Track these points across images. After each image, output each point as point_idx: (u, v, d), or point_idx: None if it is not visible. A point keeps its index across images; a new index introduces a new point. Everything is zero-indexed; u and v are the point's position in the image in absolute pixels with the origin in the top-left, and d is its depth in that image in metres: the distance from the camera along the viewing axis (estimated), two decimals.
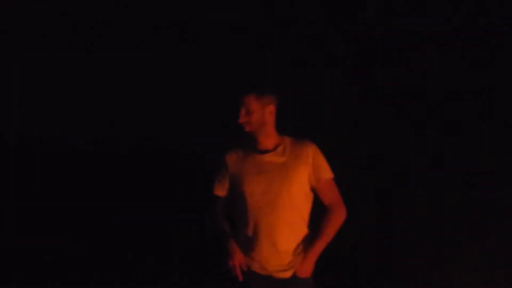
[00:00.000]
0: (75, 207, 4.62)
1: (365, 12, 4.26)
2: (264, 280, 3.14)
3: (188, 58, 4.55)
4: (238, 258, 3.14)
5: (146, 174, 4.61)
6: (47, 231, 4.57)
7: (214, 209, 3.31)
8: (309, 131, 3.35)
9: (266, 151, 3.18)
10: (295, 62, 4.38)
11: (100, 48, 4.60)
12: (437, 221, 4.13)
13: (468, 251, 4.07)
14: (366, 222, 4.07)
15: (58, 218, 4.61)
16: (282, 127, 3.25)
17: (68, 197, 4.66)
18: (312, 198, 3.25)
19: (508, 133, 4.03)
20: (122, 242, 4.56)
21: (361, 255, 4.19)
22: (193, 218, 4.30)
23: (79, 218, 4.62)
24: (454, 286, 4.07)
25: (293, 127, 3.32)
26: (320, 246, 3.14)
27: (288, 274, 3.14)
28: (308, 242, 3.18)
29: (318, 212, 3.24)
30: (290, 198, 3.13)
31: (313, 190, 3.24)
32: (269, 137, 3.20)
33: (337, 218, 3.21)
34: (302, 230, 3.20)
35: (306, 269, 3.15)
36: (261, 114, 3.14)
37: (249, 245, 3.15)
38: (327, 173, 3.21)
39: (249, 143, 3.22)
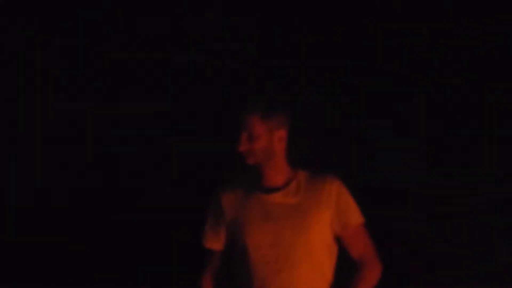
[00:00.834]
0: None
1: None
2: None
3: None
4: None
5: None
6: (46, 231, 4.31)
7: (208, 272, 2.58)
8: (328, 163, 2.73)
9: (274, 190, 2.45)
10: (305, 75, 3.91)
11: None
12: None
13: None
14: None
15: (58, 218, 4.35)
16: (295, 158, 2.54)
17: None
18: (337, 251, 2.51)
19: None
20: (121, 243, 4.26)
21: None
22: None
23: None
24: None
25: (309, 157, 2.63)
26: None
27: None
28: None
29: (342, 268, 2.54)
30: (307, 252, 2.40)
31: (337, 239, 2.50)
32: (278, 171, 2.46)
33: (371, 276, 2.48)
34: None
35: None
36: (268, 140, 2.42)
37: None
38: (356, 218, 2.48)
39: (251, 179, 2.49)
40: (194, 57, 4.10)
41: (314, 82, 3.96)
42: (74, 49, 4.23)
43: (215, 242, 2.53)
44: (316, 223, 2.42)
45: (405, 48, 3.93)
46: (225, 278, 2.58)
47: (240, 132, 2.41)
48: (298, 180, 2.47)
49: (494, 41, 3.82)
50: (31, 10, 4.18)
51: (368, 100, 3.96)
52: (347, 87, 3.96)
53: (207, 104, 4.03)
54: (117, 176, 4.30)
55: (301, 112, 3.16)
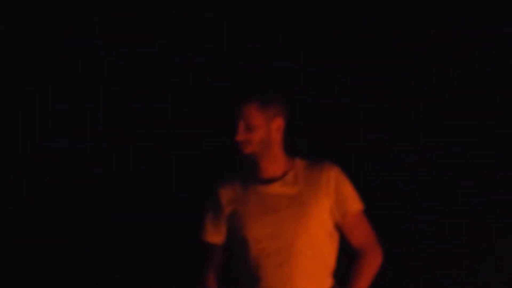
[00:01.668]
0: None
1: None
2: None
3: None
4: None
5: None
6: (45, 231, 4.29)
7: (207, 268, 2.53)
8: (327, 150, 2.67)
9: (272, 180, 2.41)
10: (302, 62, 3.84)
11: None
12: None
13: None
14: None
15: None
16: (292, 147, 2.49)
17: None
18: (338, 239, 2.48)
19: None
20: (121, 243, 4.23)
21: None
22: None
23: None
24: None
25: (307, 145, 2.60)
26: None
27: None
28: None
29: (345, 257, 2.51)
30: (308, 241, 2.37)
31: (338, 228, 2.46)
32: (275, 162, 2.42)
33: (372, 263, 2.46)
34: (326, 282, 2.43)
35: None
36: (266, 130, 2.37)
37: None
38: (355, 205, 2.44)
39: (248, 171, 2.45)
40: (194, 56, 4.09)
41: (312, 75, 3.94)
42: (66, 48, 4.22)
43: (215, 236, 2.49)
44: (316, 212, 2.38)
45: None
46: (226, 274, 2.55)
47: (237, 122, 2.36)
48: (295, 170, 2.43)
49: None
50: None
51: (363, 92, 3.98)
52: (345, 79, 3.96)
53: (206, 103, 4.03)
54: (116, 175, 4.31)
55: (298, 101, 3.15)
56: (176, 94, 4.07)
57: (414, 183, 3.86)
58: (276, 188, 2.40)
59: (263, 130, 2.37)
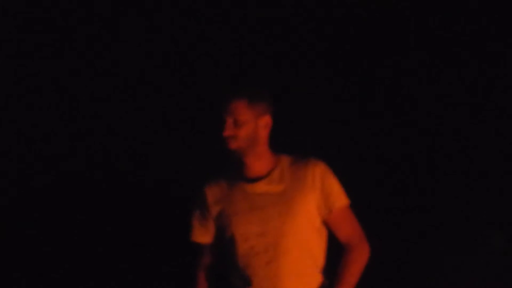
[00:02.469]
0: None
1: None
2: None
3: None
4: None
5: None
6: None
7: (197, 269, 2.55)
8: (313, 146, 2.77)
9: (258, 179, 2.41)
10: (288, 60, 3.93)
11: None
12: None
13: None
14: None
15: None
16: (277, 143, 2.50)
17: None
18: (326, 235, 2.48)
19: None
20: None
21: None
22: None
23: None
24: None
25: (292, 141, 2.64)
26: None
27: None
28: None
29: (333, 252, 2.50)
30: (296, 238, 2.37)
31: (326, 223, 2.46)
32: (261, 159, 2.42)
33: (360, 258, 2.45)
34: (314, 278, 2.43)
35: None
36: (253, 127, 2.37)
37: None
38: (341, 200, 2.44)
39: (234, 169, 2.45)
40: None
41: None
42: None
43: (203, 236, 2.50)
44: (302, 209, 2.38)
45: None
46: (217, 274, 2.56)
47: (225, 118, 2.36)
48: (281, 167, 2.43)
49: None
50: None
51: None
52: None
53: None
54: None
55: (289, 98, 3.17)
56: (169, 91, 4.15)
57: (408, 179, 3.94)
58: (262, 187, 2.40)
59: (251, 127, 2.37)
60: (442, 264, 3.88)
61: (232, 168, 2.46)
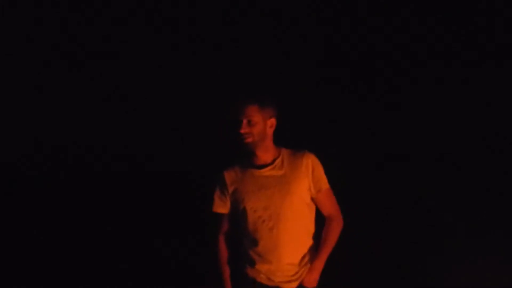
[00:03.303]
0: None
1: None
2: None
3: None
4: None
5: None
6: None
7: (218, 233, 3.29)
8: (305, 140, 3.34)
9: (264, 166, 3.21)
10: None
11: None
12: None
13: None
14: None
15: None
16: (278, 137, 3.23)
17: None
18: (315, 208, 3.27)
19: None
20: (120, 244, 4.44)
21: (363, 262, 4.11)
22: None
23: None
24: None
25: (289, 136, 3.30)
26: (324, 255, 3.21)
27: (294, 285, 3.19)
28: (313, 252, 3.23)
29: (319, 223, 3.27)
30: (292, 210, 3.17)
31: (313, 200, 3.26)
32: (267, 151, 3.21)
33: (338, 226, 3.27)
34: (306, 241, 3.24)
35: (312, 279, 3.20)
36: (263, 126, 3.16)
37: (254, 258, 3.18)
38: (326, 184, 3.25)
39: (246, 158, 3.23)
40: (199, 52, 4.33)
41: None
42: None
43: (222, 208, 3.26)
44: (297, 189, 3.18)
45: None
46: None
47: (241, 119, 3.11)
48: (282, 157, 3.22)
49: None
50: None
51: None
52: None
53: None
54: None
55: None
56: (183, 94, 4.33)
57: (409, 179, 4.09)
58: (267, 171, 3.19)
59: (261, 126, 3.15)
60: (442, 264, 4.06)
61: (244, 158, 3.23)
